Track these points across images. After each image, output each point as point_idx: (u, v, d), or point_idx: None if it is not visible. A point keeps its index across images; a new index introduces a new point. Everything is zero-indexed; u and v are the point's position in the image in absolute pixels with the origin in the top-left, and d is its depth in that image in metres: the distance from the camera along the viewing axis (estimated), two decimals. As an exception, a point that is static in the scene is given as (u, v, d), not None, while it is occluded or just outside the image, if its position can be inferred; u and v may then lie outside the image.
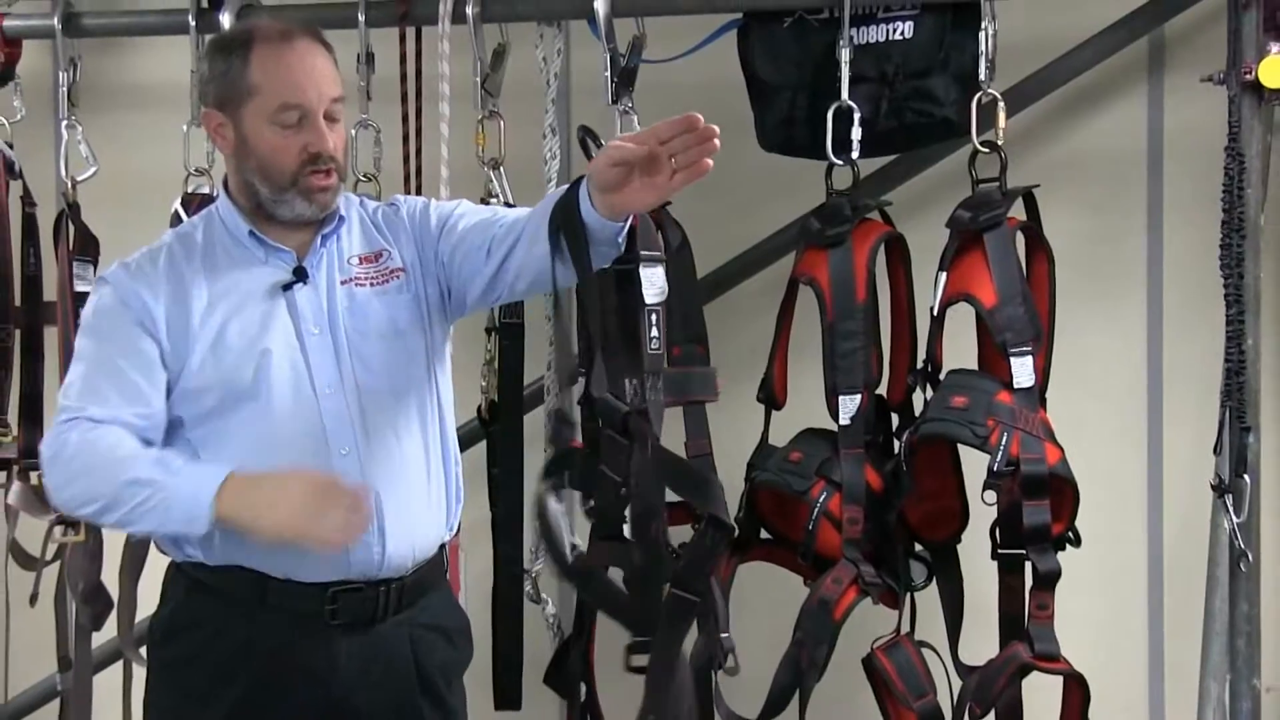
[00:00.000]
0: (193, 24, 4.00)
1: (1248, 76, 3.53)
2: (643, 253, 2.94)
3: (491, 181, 3.84)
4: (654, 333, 2.96)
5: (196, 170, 4.01)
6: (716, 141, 2.69)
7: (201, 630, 3.13)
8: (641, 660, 2.96)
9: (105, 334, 3.09)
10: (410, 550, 3.12)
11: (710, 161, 2.71)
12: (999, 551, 3.52)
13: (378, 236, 3.23)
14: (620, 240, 2.93)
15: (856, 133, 3.57)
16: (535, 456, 3.85)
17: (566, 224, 2.89)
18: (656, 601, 2.94)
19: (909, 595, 3.62)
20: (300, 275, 3.13)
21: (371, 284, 3.15)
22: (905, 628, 3.60)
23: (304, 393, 3.05)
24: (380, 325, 3.13)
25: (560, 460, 3.13)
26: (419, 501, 3.12)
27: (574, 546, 3.13)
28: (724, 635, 3.55)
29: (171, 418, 3.08)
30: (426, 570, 3.18)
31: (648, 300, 2.95)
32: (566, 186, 2.93)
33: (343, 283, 3.16)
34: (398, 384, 3.15)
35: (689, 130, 2.69)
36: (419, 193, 4.02)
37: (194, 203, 3.83)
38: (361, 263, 3.19)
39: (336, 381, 3.06)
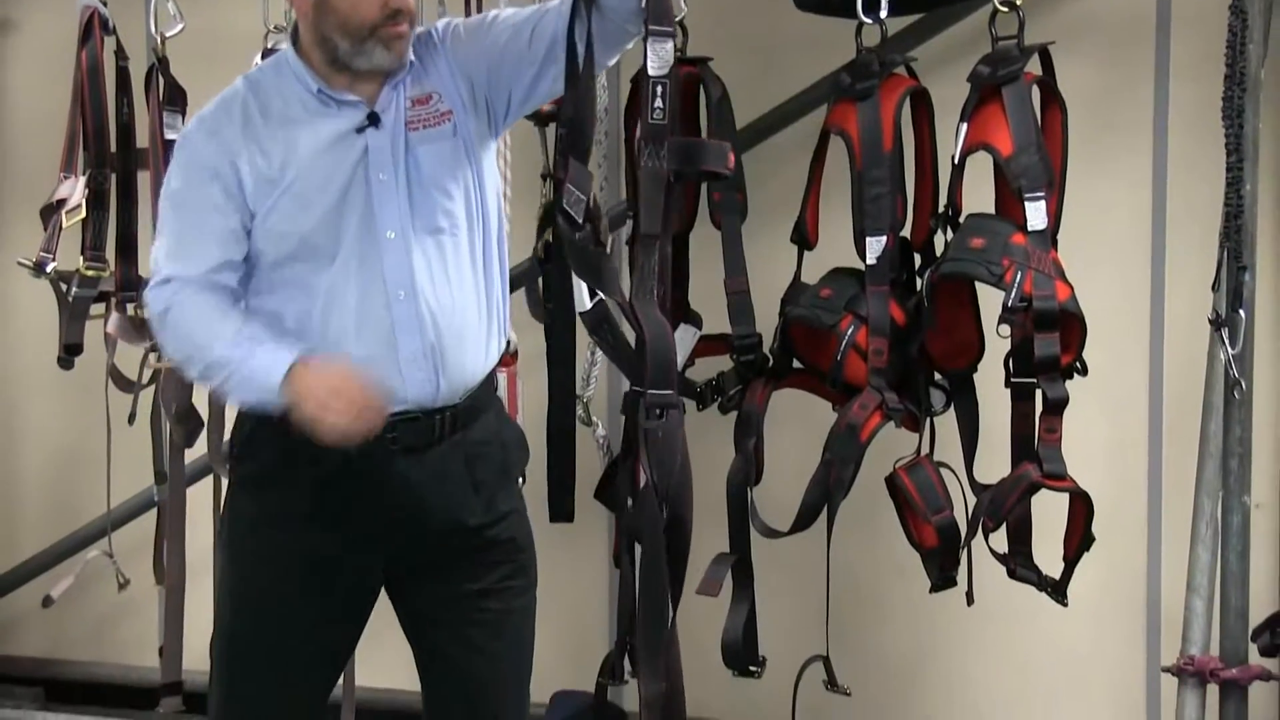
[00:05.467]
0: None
1: (1252, -64, 3.48)
2: (651, 26, 2.91)
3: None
4: (657, 103, 2.92)
5: (275, 27, 4.00)
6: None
7: (275, 449, 3.15)
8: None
9: (187, 194, 3.10)
10: (463, 383, 3.14)
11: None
12: (1012, 380, 3.52)
13: (426, 78, 3.18)
14: (641, 8, 2.92)
15: (885, -8, 3.53)
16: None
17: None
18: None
19: (929, 420, 3.62)
20: (373, 120, 3.10)
21: (424, 126, 3.11)
22: (925, 449, 3.60)
23: (368, 239, 3.04)
24: (433, 169, 3.09)
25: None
26: (471, 339, 3.12)
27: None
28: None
29: (253, 256, 3.09)
30: (478, 395, 3.19)
31: (650, 72, 2.92)
32: None
33: (406, 125, 3.12)
34: (449, 226, 3.12)
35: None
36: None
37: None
38: (415, 105, 3.14)
39: (397, 227, 3.04)
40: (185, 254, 3.08)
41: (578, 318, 3.15)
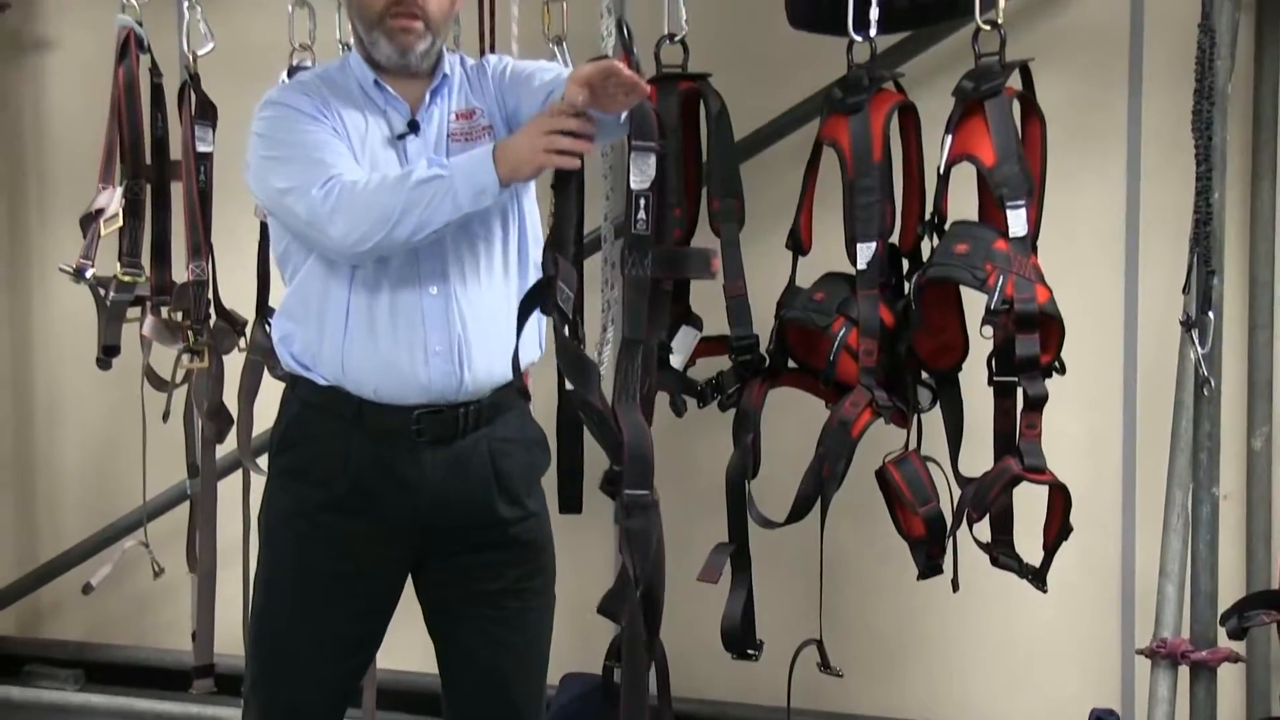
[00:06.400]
0: (297, -85, 3.97)
1: (1220, -42, 3.48)
2: (635, 141, 2.89)
3: (555, 55, 3.80)
4: (640, 215, 2.90)
5: (300, 45, 3.99)
6: (640, 82, 2.78)
7: (309, 442, 3.16)
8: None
9: (301, 130, 3.06)
10: (488, 378, 3.12)
11: (646, 86, 2.81)
12: (994, 379, 3.50)
13: (470, 95, 3.21)
14: (621, 123, 2.91)
15: (874, 12, 3.50)
16: (593, 299, 3.87)
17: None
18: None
19: (916, 416, 3.61)
20: (413, 128, 3.12)
21: (465, 139, 3.12)
22: (913, 444, 3.60)
23: None
24: None
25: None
26: (498, 338, 3.09)
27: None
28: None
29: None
30: (504, 393, 3.17)
31: (633, 185, 2.89)
32: None
33: (448, 136, 3.14)
34: (485, 233, 3.12)
35: (609, 77, 2.76)
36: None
37: (297, 74, 3.80)
38: (458, 118, 3.16)
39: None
40: (330, 163, 3.01)
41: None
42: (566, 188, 2.99)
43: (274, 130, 3.09)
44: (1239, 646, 3.68)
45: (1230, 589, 3.83)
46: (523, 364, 3.12)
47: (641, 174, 2.87)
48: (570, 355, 3.01)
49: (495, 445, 3.17)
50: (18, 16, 4.97)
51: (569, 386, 3.06)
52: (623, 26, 3.08)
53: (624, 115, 2.89)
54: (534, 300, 3.01)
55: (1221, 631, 3.55)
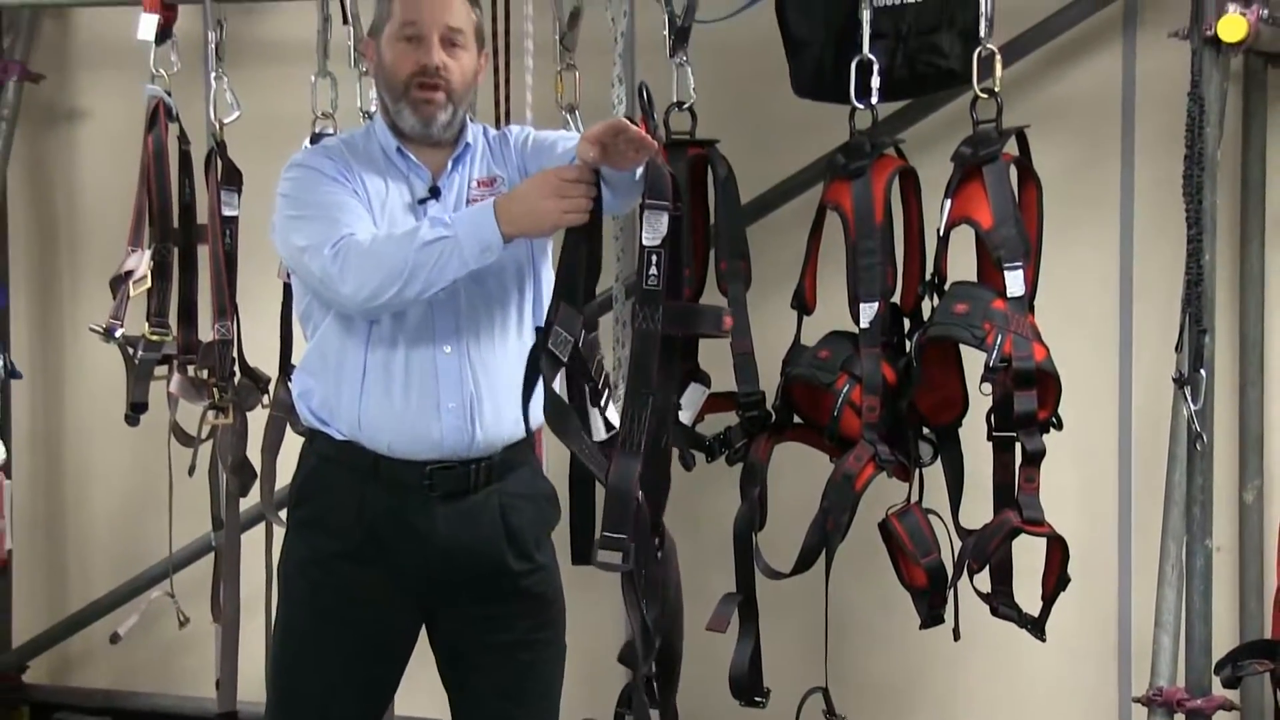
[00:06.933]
0: (317, -9, 4.00)
1: (1208, 33, 3.48)
2: (646, 200, 2.88)
3: (568, 124, 3.81)
4: (652, 270, 2.88)
5: (322, 114, 4.01)
6: (647, 138, 2.77)
7: (326, 494, 3.16)
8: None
9: (322, 191, 3.07)
10: (499, 435, 3.11)
11: (655, 142, 2.80)
12: (993, 434, 3.50)
13: (492, 163, 3.21)
14: (636, 180, 2.89)
15: (875, 81, 3.53)
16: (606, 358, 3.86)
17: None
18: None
19: (918, 470, 3.61)
20: (434, 193, 3.12)
21: None
22: (915, 497, 3.60)
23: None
24: None
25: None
26: (510, 395, 3.06)
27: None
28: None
29: None
30: (515, 450, 3.16)
31: (644, 242, 2.88)
32: None
33: (467, 202, 3.13)
34: (500, 294, 3.11)
35: (618, 134, 2.76)
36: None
37: (322, 140, 3.82)
38: (479, 186, 3.16)
39: (449, 289, 2.99)
40: (344, 222, 3.01)
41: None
42: (576, 238, 2.98)
43: (297, 190, 3.10)
44: (1233, 695, 3.65)
45: (1224, 638, 3.81)
46: (533, 424, 3.11)
47: (653, 231, 2.85)
48: (552, 403, 2.95)
49: (506, 500, 3.16)
50: (52, 87, 5.00)
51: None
52: (644, 92, 3.08)
53: (638, 173, 2.89)
54: (536, 354, 2.98)
55: (1216, 680, 3.52)
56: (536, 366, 2.94)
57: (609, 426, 3.14)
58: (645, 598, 2.96)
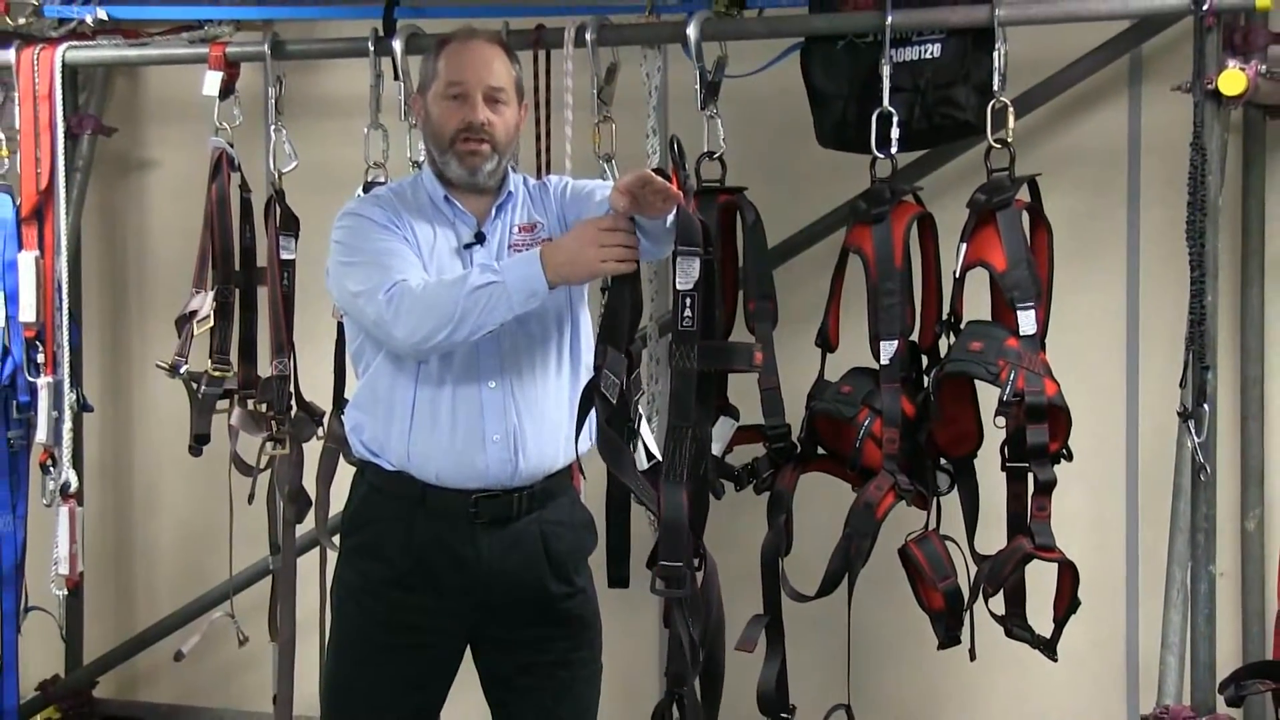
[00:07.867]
0: (371, 49, 4.01)
1: (1209, 86, 3.48)
2: (679, 246, 2.88)
3: (605, 172, 3.81)
4: (686, 313, 2.88)
5: (374, 164, 4.01)
6: (672, 189, 2.77)
7: (376, 523, 3.17)
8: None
9: (374, 238, 3.08)
10: (540, 466, 3.11)
11: (679, 193, 2.81)
12: (1007, 465, 3.49)
13: (533, 210, 3.22)
14: (669, 228, 2.90)
15: (895, 132, 3.54)
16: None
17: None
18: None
19: (935, 499, 3.60)
20: (479, 239, 3.13)
21: (527, 249, 3.09)
22: (933, 525, 3.58)
23: None
24: None
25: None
26: (550, 429, 3.09)
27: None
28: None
29: None
30: (555, 480, 3.17)
31: (678, 286, 2.88)
32: None
33: (510, 246, 3.14)
34: (541, 335, 3.12)
35: (645, 185, 2.77)
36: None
37: (373, 189, 3.83)
38: (520, 231, 3.17)
39: (496, 330, 2.99)
40: (396, 269, 3.01)
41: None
42: (620, 286, 2.98)
43: (350, 238, 3.11)
44: (1236, 713, 3.63)
45: (1227, 660, 3.79)
46: (581, 452, 3.11)
47: (686, 276, 2.87)
48: (607, 440, 2.98)
49: (547, 527, 3.16)
50: (124, 140, 5.02)
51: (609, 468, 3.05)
52: (675, 145, 3.09)
53: (669, 221, 2.88)
54: (589, 393, 3.01)
55: (1220, 699, 3.49)
56: (589, 405, 2.96)
57: (649, 456, 3.16)
58: (690, 616, 2.95)
